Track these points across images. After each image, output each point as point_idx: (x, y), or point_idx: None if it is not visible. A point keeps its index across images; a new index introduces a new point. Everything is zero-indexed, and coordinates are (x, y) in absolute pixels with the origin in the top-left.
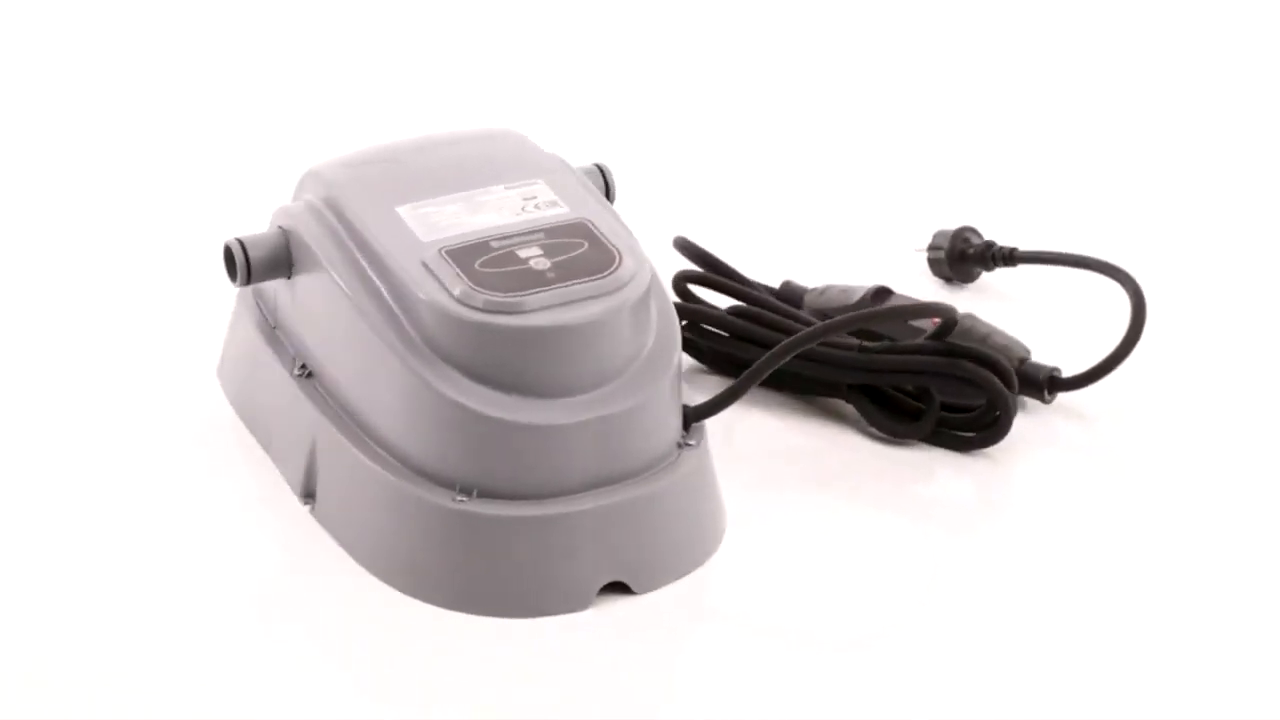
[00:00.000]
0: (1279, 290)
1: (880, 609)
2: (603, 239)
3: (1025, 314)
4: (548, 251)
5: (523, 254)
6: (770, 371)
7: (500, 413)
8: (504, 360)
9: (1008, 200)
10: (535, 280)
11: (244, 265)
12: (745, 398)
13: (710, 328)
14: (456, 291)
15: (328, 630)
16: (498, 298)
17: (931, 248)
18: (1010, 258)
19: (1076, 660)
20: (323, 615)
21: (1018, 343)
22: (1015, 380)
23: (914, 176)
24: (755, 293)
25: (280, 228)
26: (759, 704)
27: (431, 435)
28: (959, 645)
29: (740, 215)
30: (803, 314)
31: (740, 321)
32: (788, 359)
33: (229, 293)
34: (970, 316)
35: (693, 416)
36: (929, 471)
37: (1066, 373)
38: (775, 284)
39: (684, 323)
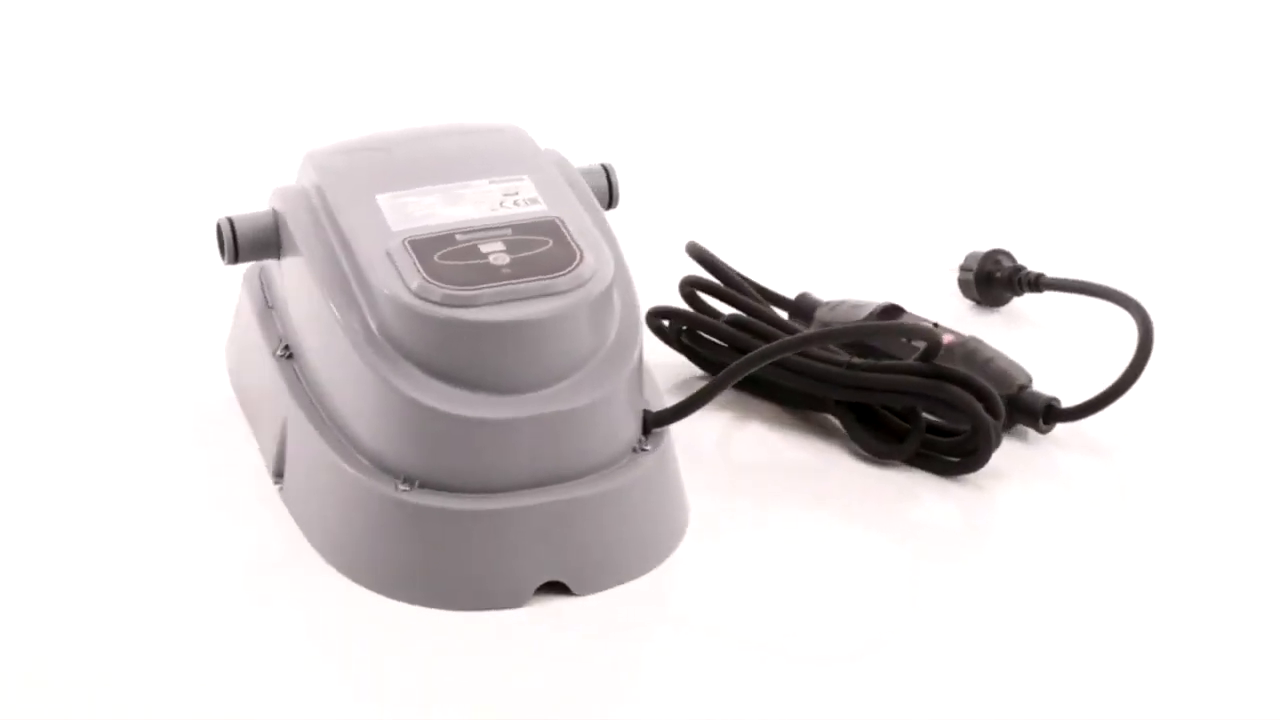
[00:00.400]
0: None
1: (819, 626)
2: (569, 238)
3: (1048, 341)
4: (510, 247)
5: (484, 249)
6: (735, 381)
7: (443, 405)
8: (452, 353)
9: (1060, 221)
10: (490, 275)
11: (231, 243)
12: (744, 409)
13: (708, 336)
14: (411, 282)
15: (270, 610)
16: (448, 290)
17: (962, 269)
18: (1036, 284)
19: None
20: (272, 596)
21: (1020, 369)
22: (1000, 407)
23: (964, 193)
24: (755, 303)
25: (272, 209)
26: (670, 713)
27: (379, 423)
28: (896, 667)
29: (780, 225)
30: (795, 326)
31: (734, 331)
32: (753, 370)
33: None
34: (975, 340)
35: (653, 421)
36: (910, 493)
37: (1075, 403)
38: (793, 295)
39: (683, 328)
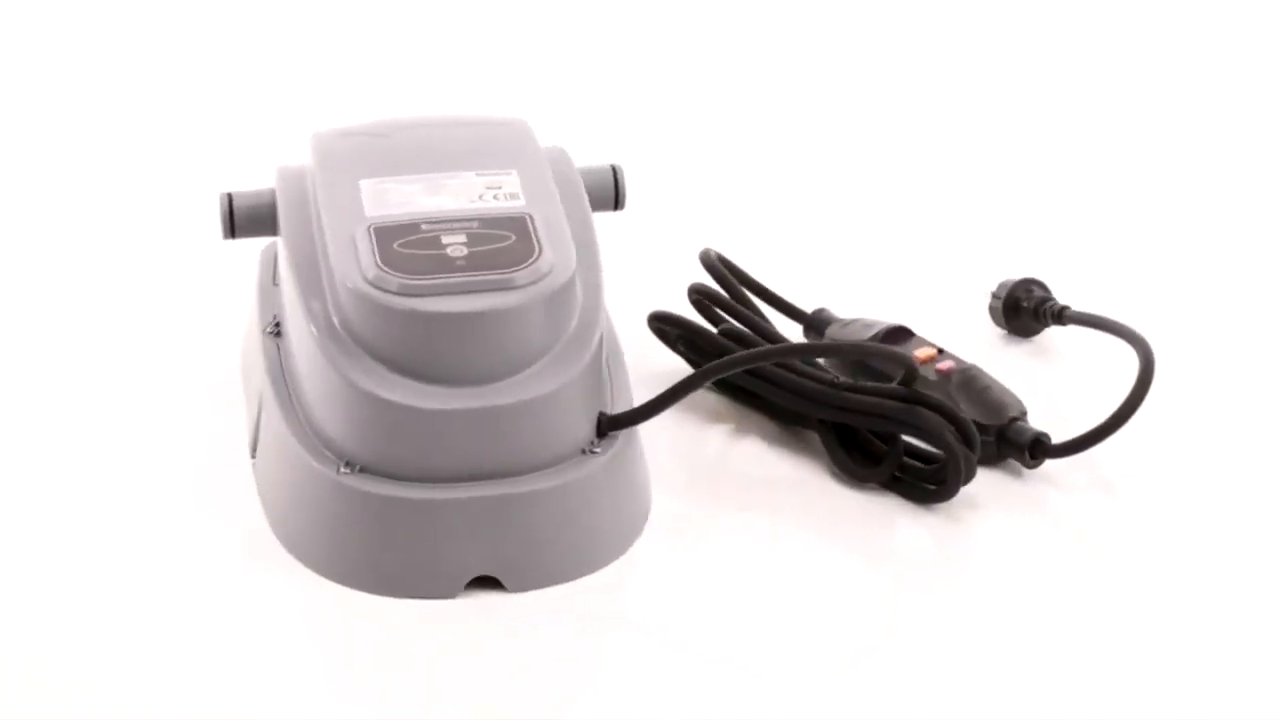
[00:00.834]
0: None
1: (750, 639)
2: (532, 234)
3: (1067, 375)
4: (471, 240)
5: (446, 240)
6: (695, 389)
7: (383, 391)
8: (398, 340)
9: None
10: (444, 266)
11: (228, 218)
12: (741, 421)
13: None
14: (365, 268)
15: (214, 585)
16: (399, 279)
17: (994, 295)
18: (1060, 316)
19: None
20: (221, 571)
21: (1015, 401)
22: (975, 437)
23: (1020, 216)
24: (755, 316)
25: (273, 187)
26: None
27: (328, 405)
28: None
29: (823, 238)
30: (785, 341)
31: (727, 342)
32: (716, 378)
33: None
34: (975, 368)
35: (608, 424)
36: (885, 518)
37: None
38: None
39: (680, 335)
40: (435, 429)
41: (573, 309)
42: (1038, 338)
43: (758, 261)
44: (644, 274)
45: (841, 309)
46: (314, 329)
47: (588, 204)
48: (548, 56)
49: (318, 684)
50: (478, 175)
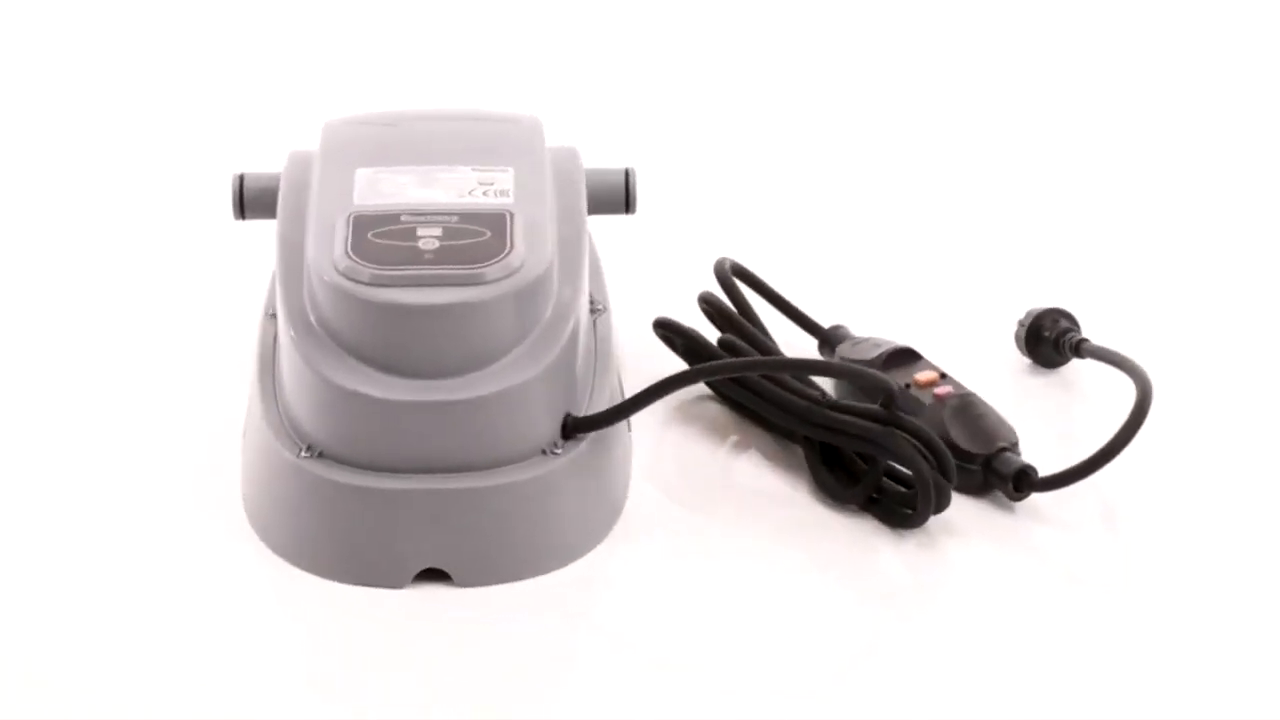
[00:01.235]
0: None
1: (694, 649)
2: (509, 231)
3: (1083, 410)
4: (446, 234)
5: (421, 232)
6: (662, 395)
7: (339, 378)
8: (358, 329)
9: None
10: (411, 258)
11: (237, 198)
12: (744, 432)
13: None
14: (335, 256)
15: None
16: (364, 268)
17: (1020, 323)
18: (1077, 349)
19: None
20: (185, 549)
21: (1007, 431)
22: (950, 464)
23: (1075, 244)
24: (756, 331)
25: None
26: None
27: (293, 389)
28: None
29: (861, 255)
30: (779, 355)
31: (723, 354)
32: (677, 389)
33: None
34: (972, 396)
35: (573, 426)
36: (861, 539)
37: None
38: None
39: (682, 342)
40: (390, 419)
41: (543, 307)
42: (1063, 370)
43: (786, 273)
44: (671, 277)
45: (871, 327)
46: (287, 313)
47: (584, 205)
48: (594, 62)
49: (245, 662)
50: (473, 170)
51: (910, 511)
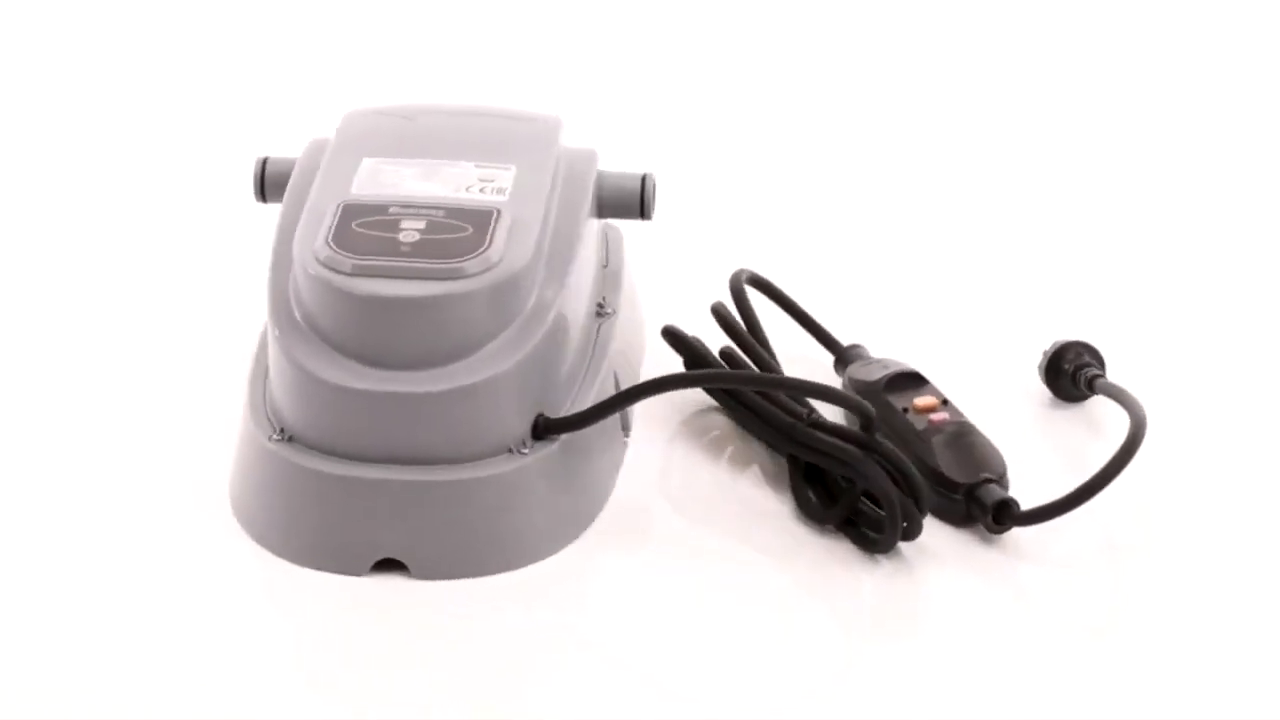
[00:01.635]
0: None
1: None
2: (491, 228)
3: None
4: (429, 229)
5: (404, 225)
6: (634, 401)
7: (310, 364)
8: (331, 317)
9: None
10: (387, 250)
11: (258, 181)
12: (741, 443)
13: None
14: (316, 244)
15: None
16: (342, 257)
17: (1044, 354)
18: (1091, 385)
19: None
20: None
21: (997, 461)
22: (921, 490)
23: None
24: (757, 345)
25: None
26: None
27: (272, 373)
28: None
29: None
30: (774, 371)
31: (721, 364)
32: (645, 397)
33: None
34: (968, 424)
35: (544, 426)
36: (838, 558)
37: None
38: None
39: (684, 350)
40: (356, 408)
41: (518, 306)
42: (1086, 405)
43: (818, 288)
44: (703, 285)
45: (898, 348)
46: (271, 295)
47: (589, 208)
48: (632, 69)
49: (199, 640)
50: (476, 167)
51: (879, 536)
